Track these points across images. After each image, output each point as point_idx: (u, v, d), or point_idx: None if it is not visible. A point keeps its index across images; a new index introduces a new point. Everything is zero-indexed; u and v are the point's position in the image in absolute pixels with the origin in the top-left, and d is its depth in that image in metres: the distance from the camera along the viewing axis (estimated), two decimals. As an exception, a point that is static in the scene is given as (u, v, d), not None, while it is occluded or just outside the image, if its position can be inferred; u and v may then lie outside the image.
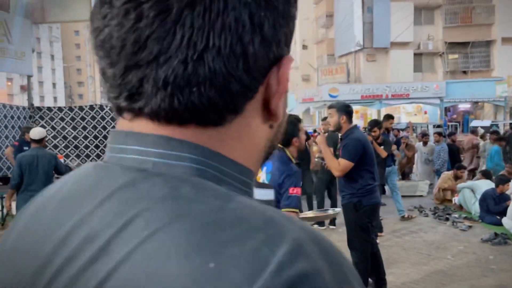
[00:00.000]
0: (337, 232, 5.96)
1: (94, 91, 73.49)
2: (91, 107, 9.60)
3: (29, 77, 9.44)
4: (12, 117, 8.72)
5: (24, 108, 9.29)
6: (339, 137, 4.18)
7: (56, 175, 4.98)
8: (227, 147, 0.39)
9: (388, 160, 6.93)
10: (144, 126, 0.39)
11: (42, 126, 9.50)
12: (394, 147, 7.06)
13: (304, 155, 6.95)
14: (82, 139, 9.53)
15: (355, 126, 4.06)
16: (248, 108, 0.39)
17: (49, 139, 9.50)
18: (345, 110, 3.93)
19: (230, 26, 0.35)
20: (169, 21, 0.35)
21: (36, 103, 45.39)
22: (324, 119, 7.78)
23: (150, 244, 0.32)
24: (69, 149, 9.54)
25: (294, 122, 2.94)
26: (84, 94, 72.19)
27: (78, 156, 9.51)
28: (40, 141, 4.92)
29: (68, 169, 5.16)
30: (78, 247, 0.35)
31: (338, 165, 3.79)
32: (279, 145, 2.93)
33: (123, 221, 0.34)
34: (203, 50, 0.35)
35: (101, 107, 9.58)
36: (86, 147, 9.50)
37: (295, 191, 2.69)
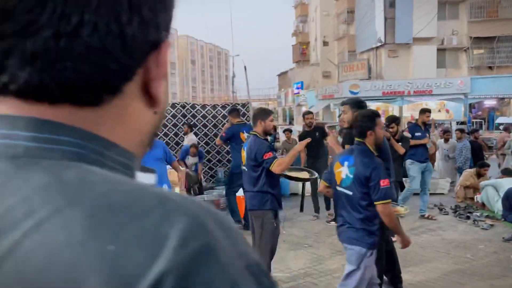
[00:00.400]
0: (353, 229, 5.90)
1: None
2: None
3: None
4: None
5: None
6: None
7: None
8: (105, 129, 0.38)
9: (423, 154, 6.82)
10: (10, 106, 0.36)
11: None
12: (426, 140, 6.92)
13: (323, 153, 6.94)
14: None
15: (370, 122, 4.02)
16: (127, 90, 0.38)
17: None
18: (359, 106, 3.90)
19: (106, 3, 0.34)
20: None
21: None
22: (309, 113, 7.74)
23: (37, 235, 0.30)
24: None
25: (370, 116, 3.08)
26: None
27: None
28: None
29: None
30: None
31: None
32: (357, 138, 3.04)
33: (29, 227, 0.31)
34: (78, 24, 0.33)
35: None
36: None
37: (385, 182, 2.82)
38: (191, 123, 9.56)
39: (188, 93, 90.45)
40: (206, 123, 9.64)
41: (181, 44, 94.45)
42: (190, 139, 9.05)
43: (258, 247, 4.03)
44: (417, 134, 6.75)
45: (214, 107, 9.87)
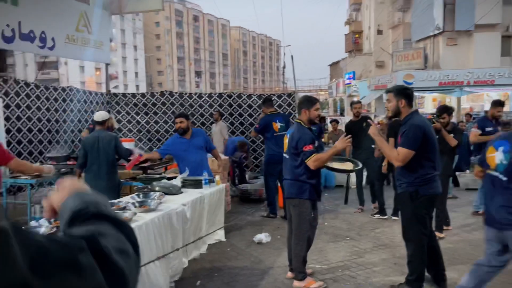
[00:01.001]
0: (398, 223, 5.68)
1: (172, 80, 76.82)
2: (162, 93, 10.03)
3: (107, 65, 10.08)
4: (91, 102, 9.40)
5: (102, 94, 9.96)
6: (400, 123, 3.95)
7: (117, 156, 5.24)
8: None
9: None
10: None
11: (118, 112, 10.14)
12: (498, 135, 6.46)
13: (369, 143, 6.73)
14: (154, 124, 10.03)
15: (416, 111, 3.81)
16: None
17: (123, 123, 10.12)
18: (404, 93, 3.71)
19: None
20: None
21: (121, 91, 48.33)
22: (357, 102, 7.35)
23: None
24: (141, 133, 10.10)
25: None
26: (163, 82, 75.68)
27: (149, 140, 10.03)
28: (102, 123, 5.22)
29: (129, 151, 5.43)
30: None
31: (397, 155, 3.58)
32: None
33: None
34: None
35: (171, 93, 9.97)
36: (157, 131, 9.99)
37: None
38: (237, 113, 9.64)
39: (240, 84, 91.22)
40: (252, 112, 9.66)
41: (233, 36, 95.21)
42: (221, 126, 9.13)
43: (295, 237, 3.99)
44: (487, 128, 6.21)
45: (260, 96, 9.86)
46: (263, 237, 5.42)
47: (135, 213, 3.55)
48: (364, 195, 7.10)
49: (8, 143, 7.10)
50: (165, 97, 9.95)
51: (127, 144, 8.64)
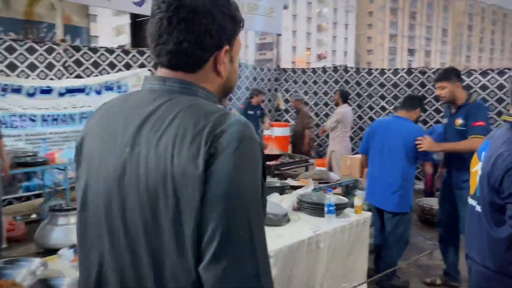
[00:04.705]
0: None
1: (382, 59, 72.72)
2: (335, 69, 8.17)
3: (278, 35, 8.78)
4: (262, 79, 8.28)
5: (269, 70, 8.74)
6: None
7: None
8: (199, 81, 0.91)
9: None
10: (162, 72, 0.93)
11: (286, 90, 8.78)
12: None
13: None
14: (323, 106, 8.29)
15: None
16: (206, 66, 0.91)
17: (290, 104, 8.72)
18: None
19: (193, 30, 0.87)
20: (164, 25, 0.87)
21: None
22: None
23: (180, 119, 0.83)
24: (312, 113, 8.53)
25: None
26: (372, 61, 72.47)
27: (317, 125, 8.37)
28: None
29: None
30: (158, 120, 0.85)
31: None
32: None
33: (175, 112, 0.83)
34: (183, 39, 0.87)
35: (346, 69, 8.01)
36: (326, 115, 8.23)
37: None
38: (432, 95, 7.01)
39: (460, 62, 79.94)
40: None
41: (457, 8, 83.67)
42: (340, 113, 6.23)
43: None
44: None
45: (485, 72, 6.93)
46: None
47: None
48: None
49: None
50: (338, 73, 8.05)
51: (279, 130, 7.10)
